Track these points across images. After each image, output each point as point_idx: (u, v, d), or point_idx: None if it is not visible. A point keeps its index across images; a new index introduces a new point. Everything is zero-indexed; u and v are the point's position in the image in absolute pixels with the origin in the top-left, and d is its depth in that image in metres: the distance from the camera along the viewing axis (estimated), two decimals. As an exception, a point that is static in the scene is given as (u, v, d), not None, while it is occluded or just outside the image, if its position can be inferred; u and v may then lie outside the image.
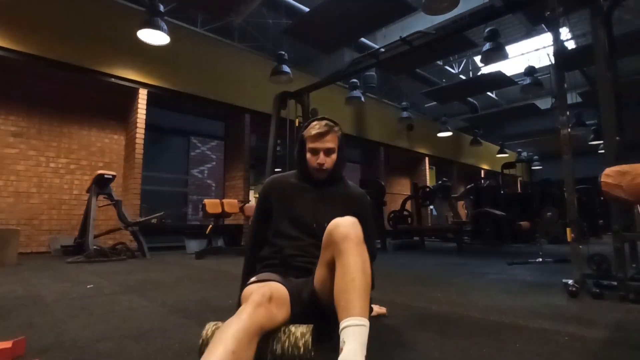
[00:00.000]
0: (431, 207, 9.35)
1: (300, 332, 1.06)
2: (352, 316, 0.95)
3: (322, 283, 1.18)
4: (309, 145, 1.39)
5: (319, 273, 1.20)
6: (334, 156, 1.40)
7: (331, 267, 1.12)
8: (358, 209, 1.46)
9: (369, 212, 1.52)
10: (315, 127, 1.38)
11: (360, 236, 1.10)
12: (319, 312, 1.19)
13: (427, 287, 2.55)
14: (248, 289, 1.11)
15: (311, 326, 1.09)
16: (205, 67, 6.63)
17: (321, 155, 1.38)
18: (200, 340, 1.05)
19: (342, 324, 0.95)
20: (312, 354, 1.04)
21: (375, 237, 1.61)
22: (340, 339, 0.93)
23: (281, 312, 1.07)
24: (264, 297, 1.01)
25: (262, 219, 1.47)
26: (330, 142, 1.38)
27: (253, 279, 1.20)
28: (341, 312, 0.99)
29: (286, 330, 1.07)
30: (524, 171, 11.89)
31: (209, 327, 1.08)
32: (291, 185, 1.46)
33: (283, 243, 1.38)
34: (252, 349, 0.91)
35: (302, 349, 1.03)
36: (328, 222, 1.27)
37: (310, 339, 1.04)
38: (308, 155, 1.40)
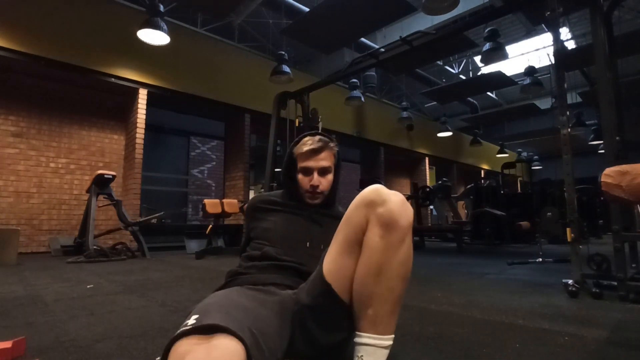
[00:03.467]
0: (431, 207, 9.33)
1: None
2: (381, 334, 0.84)
3: (344, 277, 0.88)
4: (301, 164, 1.17)
5: (340, 262, 0.89)
6: (329, 177, 1.18)
7: (356, 249, 0.87)
8: None
9: None
10: (307, 143, 1.16)
11: (412, 221, 0.86)
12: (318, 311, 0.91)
13: (427, 287, 2.55)
14: (180, 348, 0.64)
15: None
16: (205, 67, 6.63)
17: (315, 175, 1.15)
18: None
19: (367, 340, 0.83)
20: None
21: None
22: (357, 353, 0.84)
23: None
24: None
25: (251, 237, 1.24)
26: (326, 160, 1.16)
27: (192, 319, 0.70)
28: (367, 322, 0.84)
29: None
30: (524, 171, 11.87)
31: None
32: (279, 203, 1.23)
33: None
34: None
35: None
36: (323, 245, 1.04)
37: None
38: (299, 176, 1.17)
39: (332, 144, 1.19)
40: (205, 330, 0.66)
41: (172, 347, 0.66)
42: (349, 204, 0.93)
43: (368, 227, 0.85)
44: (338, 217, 1.06)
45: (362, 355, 0.83)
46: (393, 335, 0.86)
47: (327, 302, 0.89)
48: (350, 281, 0.87)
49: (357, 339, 0.85)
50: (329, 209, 1.23)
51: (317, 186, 1.15)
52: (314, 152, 1.15)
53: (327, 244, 0.98)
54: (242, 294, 0.91)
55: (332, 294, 0.88)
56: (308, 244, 1.13)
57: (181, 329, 0.68)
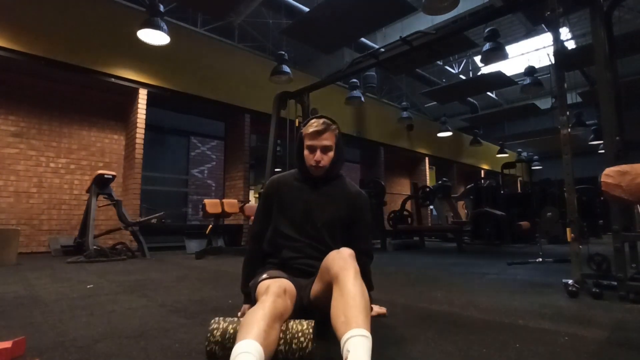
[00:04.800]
0: (431, 207, 9.34)
1: (302, 326, 1.11)
2: (356, 328, 0.95)
3: (319, 297, 1.28)
4: (307, 142, 1.42)
5: (317, 288, 1.28)
6: (330, 154, 1.42)
7: (328, 287, 1.18)
8: (354, 208, 1.50)
9: (365, 211, 1.54)
10: (313, 125, 1.40)
11: (358, 269, 1.16)
12: (315, 316, 1.28)
13: (427, 287, 2.55)
14: (263, 284, 1.21)
15: (312, 321, 1.14)
16: (205, 67, 6.63)
17: (318, 152, 1.40)
18: (212, 327, 1.11)
19: (347, 335, 0.94)
20: (313, 346, 1.08)
21: (371, 236, 1.63)
22: (344, 349, 0.92)
23: (292, 304, 1.18)
24: (280, 289, 1.14)
25: (263, 218, 1.52)
26: (328, 140, 1.40)
27: (265, 275, 1.29)
28: (342, 326, 0.98)
29: (288, 323, 1.12)
30: (524, 171, 11.87)
31: (218, 319, 1.14)
32: (290, 186, 1.49)
33: (281, 242, 1.46)
34: (276, 330, 1.03)
35: (303, 342, 1.07)
36: (322, 224, 1.44)
37: (311, 332, 1.09)
38: (305, 152, 1.43)
39: (333, 126, 1.43)
40: (274, 277, 1.26)
41: (258, 285, 1.25)
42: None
43: (331, 277, 1.16)
44: (343, 194, 1.50)
45: (348, 350, 0.90)
46: (369, 333, 0.95)
47: (310, 309, 1.31)
48: (322, 302, 1.22)
49: (342, 340, 0.94)
50: (333, 185, 1.51)
51: (320, 161, 1.40)
52: (317, 133, 1.40)
53: (326, 219, 1.43)
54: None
55: (311, 304, 1.31)
56: (309, 226, 1.44)
57: (260, 278, 1.28)
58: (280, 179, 1.53)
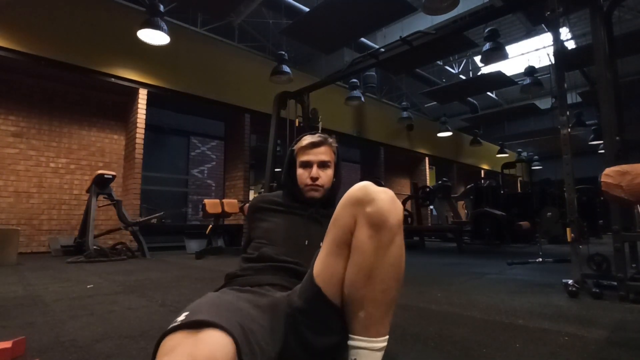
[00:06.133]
0: (431, 207, 9.34)
1: None
2: (375, 337, 0.81)
3: (334, 279, 0.84)
4: (300, 158, 1.18)
5: (330, 264, 0.85)
6: (329, 171, 1.17)
7: (345, 251, 0.84)
8: None
9: None
10: (307, 138, 1.18)
11: (402, 219, 0.83)
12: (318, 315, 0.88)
13: (427, 287, 2.55)
14: (168, 342, 0.66)
15: None
16: (205, 67, 6.63)
17: (314, 168, 1.15)
18: None
19: (359, 343, 0.82)
20: None
21: None
22: (351, 356, 0.83)
23: None
24: None
25: (252, 237, 1.24)
26: (325, 155, 1.17)
27: (182, 316, 0.72)
28: (359, 325, 0.82)
29: None
30: (524, 171, 11.88)
31: None
32: (280, 204, 1.22)
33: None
34: None
35: None
36: (322, 243, 0.95)
37: None
38: (299, 171, 1.18)
39: (331, 140, 1.20)
40: (194, 325, 0.67)
41: (161, 342, 0.67)
42: None
43: (356, 227, 0.82)
44: None
45: (355, 359, 0.82)
46: (387, 337, 0.84)
47: (318, 305, 0.85)
48: (341, 284, 0.84)
49: (350, 342, 0.84)
50: (329, 209, 1.14)
51: (317, 178, 1.14)
52: (313, 146, 1.16)
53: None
54: (235, 294, 0.89)
55: (323, 297, 0.85)
56: (307, 241, 1.11)
57: (171, 325, 0.69)
58: (268, 196, 1.27)
